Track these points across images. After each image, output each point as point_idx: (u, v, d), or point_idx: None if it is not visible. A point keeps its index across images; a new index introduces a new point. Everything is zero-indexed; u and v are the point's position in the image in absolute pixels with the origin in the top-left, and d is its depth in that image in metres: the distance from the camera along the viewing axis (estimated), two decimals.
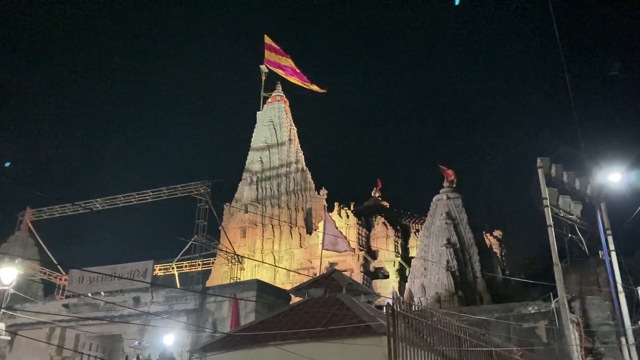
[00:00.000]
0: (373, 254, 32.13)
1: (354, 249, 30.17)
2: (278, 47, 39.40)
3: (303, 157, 38.58)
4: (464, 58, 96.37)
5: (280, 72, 38.89)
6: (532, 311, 16.56)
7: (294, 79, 38.62)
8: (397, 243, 32.33)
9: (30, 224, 32.36)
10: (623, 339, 14.37)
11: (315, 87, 38.59)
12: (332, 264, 27.75)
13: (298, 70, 38.68)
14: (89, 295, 23.75)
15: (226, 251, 29.01)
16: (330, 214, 28.51)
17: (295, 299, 16.17)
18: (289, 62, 38.85)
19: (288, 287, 25.29)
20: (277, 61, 38.92)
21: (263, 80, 40.09)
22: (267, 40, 39.65)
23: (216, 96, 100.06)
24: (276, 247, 33.82)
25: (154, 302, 21.33)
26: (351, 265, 30.15)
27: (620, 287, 14.64)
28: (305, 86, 38.60)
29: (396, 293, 26.19)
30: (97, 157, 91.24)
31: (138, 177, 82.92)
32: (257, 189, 35.88)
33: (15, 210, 33.37)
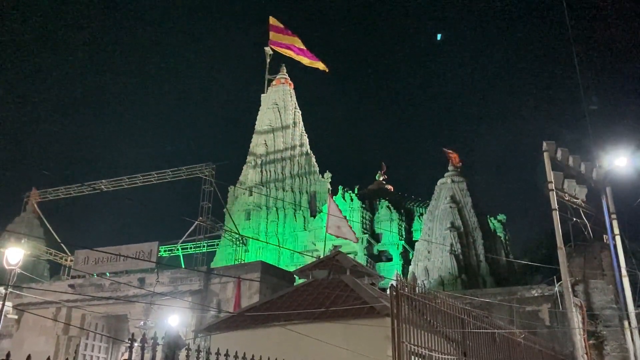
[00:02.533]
0: (377, 237, 32.22)
1: (359, 238, 30.15)
2: (283, 27, 39.02)
3: (307, 140, 38.50)
4: (469, 40, 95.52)
5: (286, 51, 38.53)
6: (536, 294, 16.62)
7: (300, 58, 38.20)
8: (401, 226, 32.40)
9: (35, 205, 32.54)
10: (626, 323, 14.41)
11: (321, 65, 38.12)
12: (336, 247, 27.83)
13: (304, 48, 38.25)
14: (95, 275, 23.95)
15: (231, 233, 29.14)
16: (334, 197, 28.53)
17: (299, 281, 16.27)
18: (295, 41, 38.46)
19: (292, 269, 25.43)
20: (283, 41, 38.54)
21: (267, 63, 39.85)
22: (272, 21, 39.30)
23: (221, 79, 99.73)
24: (280, 230, 33.93)
25: (159, 283, 21.47)
26: (355, 248, 30.24)
27: (624, 271, 14.64)
28: (311, 64, 38.13)
29: (400, 275, 26.33)
30: (103, 138, 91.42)
31: (143, 158, 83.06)
32: (261, 171, 35.90)
33: (21, 191, 33.60)
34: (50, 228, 31.79)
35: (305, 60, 38.09)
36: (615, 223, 15.13)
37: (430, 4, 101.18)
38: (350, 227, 23.55)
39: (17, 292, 20.93)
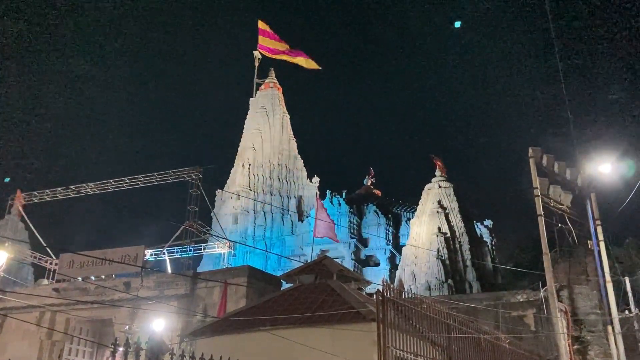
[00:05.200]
0: (364, 242, 32.26)
1: (347, 243, 30.16)
2: (272, 32, 39.04)
3: (295, 144, 38.49)
4: (457, 49, 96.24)
5: (275, 55, 38.46)
6: (521, 300, 16.73)
7: (290, 58, 38.07)
8: (389, 231, 32.49)
9: (20, 208, 32.17)
10: (609, 328, 14.52)
11: (313, 64, 37.89)
12: (323, 251, 27.83)
13: (293, 50, 38.13)
14: (80, 279, 23.70)
15: (218, 237, 29.00)
16: (322, 201, 28.55)
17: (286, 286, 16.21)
18: (284, 46, 38.43)
19: (279, 273, 25.36)
20: (272, 46, 38.53)
21: (256, 67, 39.86)
22: (262, 25, 39.30)
23: (209, 82, 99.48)
24: (268, 234, 33.86)
25: (145, 287, 21.29)
26: (342, 252, 30.25)
27: (608, 277, 14.76)
28: (302, 63, 37.94)
29: (386, 280, 26.36)
30: (90, 141, 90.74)
31: (130, 162, 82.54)
32: (249, 175, 35.82)
33: (5, 193, 33.22)
34: (35, 231, 31.44)
35: (294, 59, 37.88)
36: (599, 229, 15.26)
37: (424, 7, 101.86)
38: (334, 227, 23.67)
39: (0, 296, 20.67)
